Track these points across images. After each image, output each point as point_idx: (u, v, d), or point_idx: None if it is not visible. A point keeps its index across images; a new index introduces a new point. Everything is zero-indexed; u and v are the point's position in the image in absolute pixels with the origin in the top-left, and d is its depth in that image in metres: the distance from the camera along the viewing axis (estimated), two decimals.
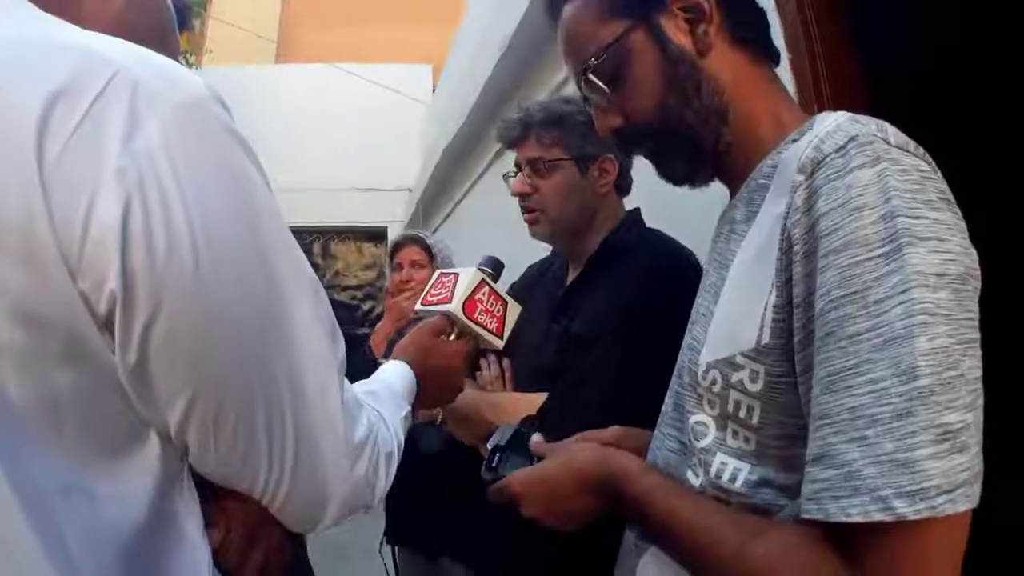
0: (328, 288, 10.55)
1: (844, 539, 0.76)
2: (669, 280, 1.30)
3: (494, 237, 2.79)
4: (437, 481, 2.52)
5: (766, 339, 0.89)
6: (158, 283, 0.67)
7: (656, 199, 1.59)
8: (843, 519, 0.74)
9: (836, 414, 0.77)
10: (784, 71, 1.73)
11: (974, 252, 0.82)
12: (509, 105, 3.88)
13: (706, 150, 1.06)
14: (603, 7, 1.07)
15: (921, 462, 0.71)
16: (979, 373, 0.77)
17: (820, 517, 0.77)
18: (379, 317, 10.91)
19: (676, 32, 1.04)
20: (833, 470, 0.76)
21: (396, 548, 2.93)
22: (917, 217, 0.78)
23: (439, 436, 2.44)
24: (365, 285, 10.64)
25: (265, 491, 0.81)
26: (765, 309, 0.89)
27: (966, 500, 0.72)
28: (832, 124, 0.90)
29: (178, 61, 0.96)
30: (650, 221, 1.91)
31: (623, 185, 1.90)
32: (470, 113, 5.31)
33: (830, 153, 0.85)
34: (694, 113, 1.04)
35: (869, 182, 0.80)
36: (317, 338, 0.82)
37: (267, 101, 10.08)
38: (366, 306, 10.58)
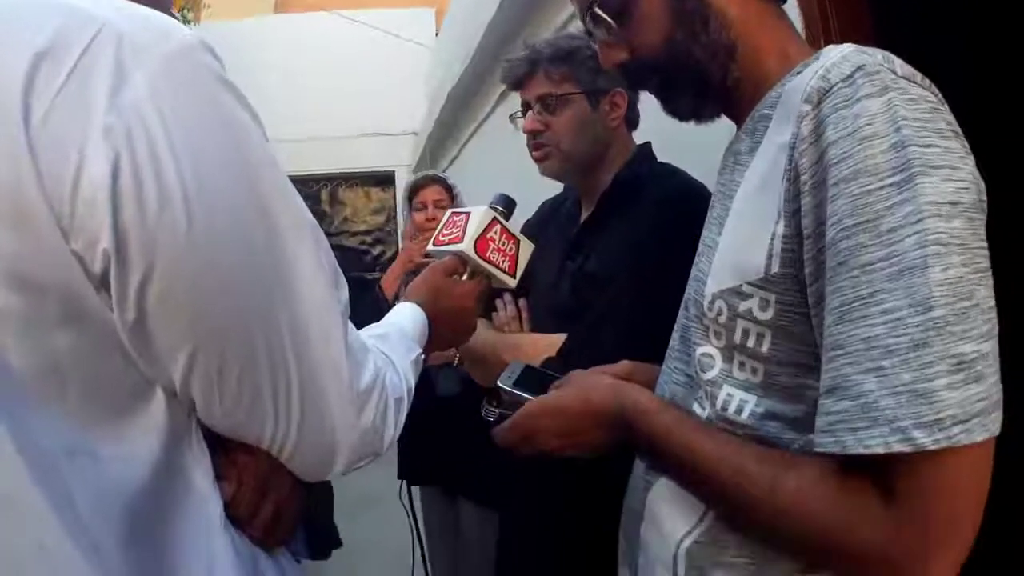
0: (337, 234, 10.68)
1: (874, 471, 0.77)
2: (681, 215, 1.29)
3: (501, 178, 2.77)
4: (454, 423, 2.53)
5: (775, 268, 0.89)
6: (151, 239, 0.66)
7: (665, 133, 1.58)
8: (861, 451, 0.75)
9: (850, 344, 0.77)
10: (792, 7, 1.72)
11: (982, 183, 0.82)
12: (513, 46, 3.85)
13: (713, 85, 1.06)
14: None
15: (938, 392, 0.72)
16: (993, 303, 0.77)
17: (836, 450, 0.77)
18: (389, 261, 10.96)
19: None
20: (849, 401, 0.76)
21: (412, 491, 2.95)
22: (928, 146, 0.78)
23: (456, 378, 2.44)
24: (374, 230, 10.61)
25: (273, 441, 0.82)
26: (773, 239, 0.89)
27: (983, 430, 0.72)
28: (838, 55, 0.89)
29: (171, 13, 0.94)
30: (660, 155, 1.90)
31: (632, 119, 1.89)
32: (474, 55, 5.25)
33: (837, 83, 0.85)
34: (702, 48, 1.03)
35: (878, 111, 0.80)
36: (319, 285, 0.81)
37: (268, 52, 9.97)
38: (376, 251, 10.56)
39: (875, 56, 0.86)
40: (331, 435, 0.85)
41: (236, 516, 0.83)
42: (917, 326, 0.73)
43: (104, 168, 0.64)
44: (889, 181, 0.77)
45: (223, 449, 0.83)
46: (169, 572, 0.74)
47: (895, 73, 0.83)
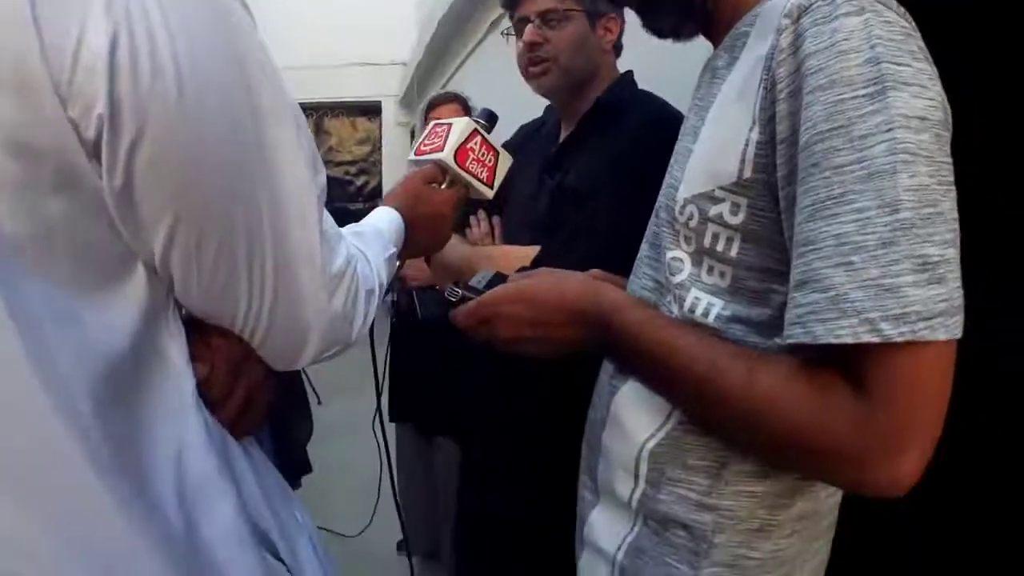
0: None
1: (843, 364, 0.80)
2: (660, 136, 1.29)
3: (503, 102, 2.75)
4: (437, 347, 2.51)
5: (748, 173, 0.90)
6: (143, 108, 0.68)
7: (646, 64, 1.62)
8: (832, 340, 0.77)
9: (821, 240, 0.79)
10: None
11: (948, 105, 0.84)
12: None
13: (695, 5, 1.07)
14: None
15: (904, 288, 0.74)
16: (956, 215, 0.79)
17: (807, 340, 0.79)
18: (373, 191, 10.91)
19: None
20: (819, 294, 0.78)
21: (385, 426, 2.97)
22: (901, 64, 0.80)
23: (437, 300, 2.43)
24: (359, 160, 10.61)
25: (246, 323, 0.84)
26: (747, 145, 0.90)
27: (945, 330, 0.75)
28: None
29: None
30: (642, 84, 1.92)
31: (619, 46, 1.91)
32: None
33: (816, 1, 0.86)
34: None
35: (855, 28, 0.82)
36: (299, 167, 0.83)
37: None
38: (359, 181, 10.57)
39: None
40: (302, 317, 0.87)
41: (208, 398, 0.85)
42: (885, 225, 0.75)
43: (103, 41, 0.66)
44: (863, 92, 0.79)
45: (199, 332, 0.85)
46: (142, 443, 0.77)
47: None
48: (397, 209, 1.27)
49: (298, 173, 0.82)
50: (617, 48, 1.88)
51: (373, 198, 10.30)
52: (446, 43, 6.84)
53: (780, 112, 0.86)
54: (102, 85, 0.67)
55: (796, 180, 0.83)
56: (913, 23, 0.87)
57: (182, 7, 0.72)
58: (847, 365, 0.79)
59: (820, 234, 0.79)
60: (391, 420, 2.97)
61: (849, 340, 0.75)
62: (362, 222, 1.20)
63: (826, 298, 0.77)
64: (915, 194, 0.76)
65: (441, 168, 1.39)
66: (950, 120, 0.84)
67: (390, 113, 10.23)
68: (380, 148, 10.38)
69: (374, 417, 2.88)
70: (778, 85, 0.87)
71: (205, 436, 0.82)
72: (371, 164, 10.49)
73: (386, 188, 9.72)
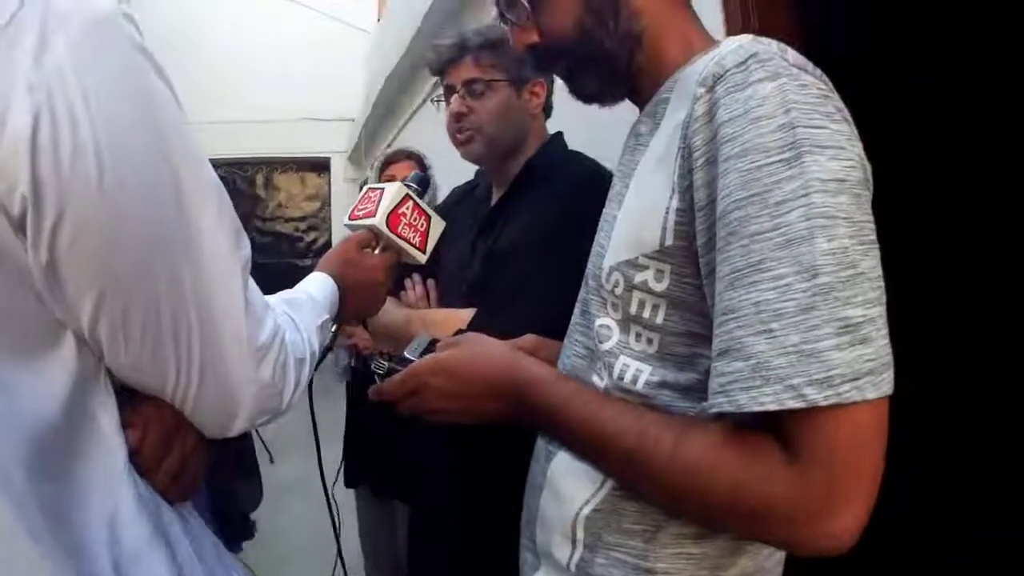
0: (271, 220, 10.60)
1: (773, 429, 0.80)
2: (589, 197, 1.31)
3: (436, 165, 2.78)
4: (390, 411, 2.51)
5: (669, 241, 0.91)
6: (64, 189, 0.70)
7: (579, 123, 1.62)
8: (756, 408, 0.77)
9: (741, 308, 0.80)
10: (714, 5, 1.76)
11: (869, 164, 0.86)
12: (453, 31, 3.84)
13: (620, 72, 1.09)
14: None
15: (826, 352, 0.74)
16: (879, 272, 0.80)
17: (731, 409, 0.79)
18: (323, 248, 10.83)
19: None
20: (742, 362, 0.79)
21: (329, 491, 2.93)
22: (817, 127, 0.81)
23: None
24: (308, 216, 10.55)
25: (176, 391, 0.85)
26: (667, 212, 0.91)
27: (874, 388, 0.75)
28: (735, 44, 0.92)
29: None
30: (573, 145, 1.95)
31: (548, 107, 1.94)
32: (414, 38, 5.26)
33: (731, 67, 0.88)
34: (610, 35, 1.06)
35: (769, 94, 0.83)
36: (221, 241, 0.85)
37: (209, 30, 9.86)
38: (309, 237, 10.51)
39: (769, 45, 0.89)
40: (231, 387, 0.88)
41: (141, 465, 0.86)
42: (804, 291, 0.76)
43: (26, 120, 0.68)
44: (778, 158, 0.80)
45: (131, 399, 0.86)
46: (76, 512, 0.78)
47: (787, 61, 0.86)
48: (331, 275, 1.29)
49: (221, 249, 0.84)
50: (547, 110, 1.92)
51: (322, 255, 10.18)
52: (393, 100, 6.88)
53: (697, 180, 0.88)
54: (25, 165, 0.68)
55: (715, 248, 0.84)
56: (830, 85, 0.89)
57: (103, 85, 0.74)
58: (777, 429, 0.79)
59: (740, 302, 0.80)
60: (346, 484, 2.95)
61: (773, 407, 0.76)
62: (295, 288, 1.22)
63: (748, 366, 0.78)
64: (834, 257, 0.76)
65: (374, 233, 1.41)
66: (870, 178, 0.86)
67: (339, 169, 10.23)
68: (329, 204, 10.34)
69: (331, 478, 2.88)
70: (694, 154, 0.88)
71: (138, 503, 0.82)
72: (320, 220, 10.45)
73: (335, 243, 9.69)
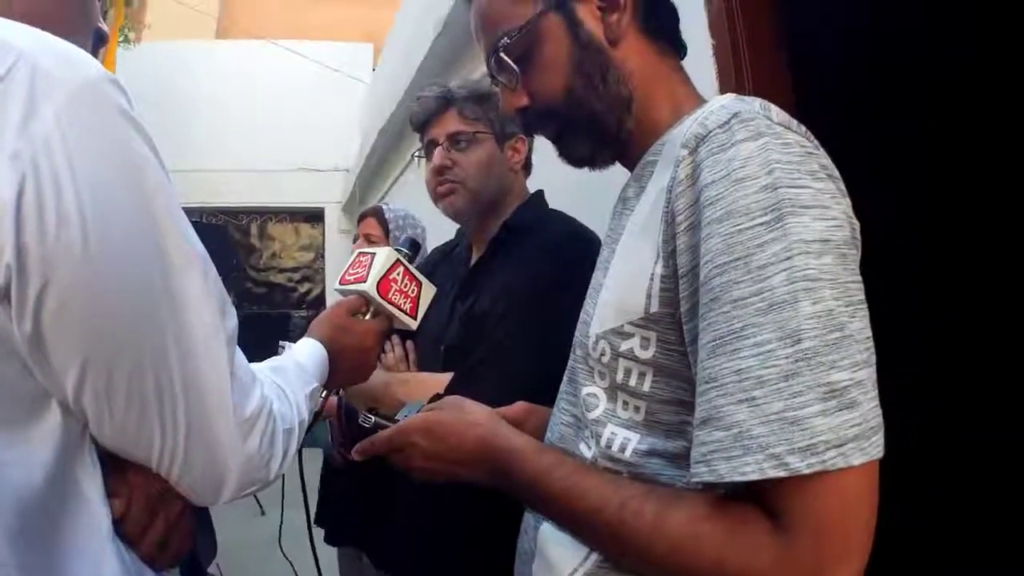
0: (265, 270, 10.60)
1: (758, 499, 0.78)
2: (568, 259, 1.31)
3: (429, 217, 2.79)
4: (365, 475, 2.50)
5: (654, 308, 0.91)
6: (48, 258, 0.71)
7: (561, 181, 1.61)
8: (737, 478, 0.76)
9: (722, 377, 0.78)
10: (708, 56, 1.78)
11: (857, 222, 0.85)
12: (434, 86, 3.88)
13: (609, 135, 1.08)
14: None
15: (810, 419, 0.73)
16: (868, 333, 0.79)
17: (712, 479, 0.78)
18: (316, 299, 10.80)
19: (589, 19, 1.06)
20: (722, 431, 0.77)
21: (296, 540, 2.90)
22: (800, 187, 0.80)
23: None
24: (302, 267, 10.56)
25: (161, 461, 0.85)
26: (652, 279, 0.91)
27: (861, 454, 0.73)
28: (718, 104, 0.93)
29: (99, 27, 1.06)
30: (555, 203, 1.94)
31: (528, 165, 1.94)
32: (406, 93, 5.30)
33: (714, 128, 0.87)
34: (599, 99, 1.06)
35: (751, 155, 0.82)
36: (206, 313, 0.85)
37: (206, 77, 9.94)
38: (303, 288, 10.51)
39: (752, 104, 0.89)
40: (217, 458, 0.88)
41: (126, 533, 0.86)
42: (787, 357, 0.75)
43: (10, 190, 0.69)
44: (760, 220, 0.79)
45: (117, 467, 0.86)
46: None
47: (771, 120, 0.86)
48: (321, 340, 1.28)
49: (206, 319, 0.84)
50: (527, 167, 1.92)
51: (317, 305, 10.24)
52: (386, 153, 6.93)
53: (680, 245, 0.87)
54: (9, 235, 0.69)
55: (699, 315, 0.83)
56: (815, 142, 0.88)
57: (88, 155, 0.74)
58: (762, 498, 0.77)
59: (721, 370, 0.78)
60: (325, 541, 2.92)
61: (755, 477, 0.74)
62: (284, 355, 1.21)
63: (729, 435, 0.76)
64: (818, 321, 0.75)
65: (365, 299, 1.41)
66: (858, 236, 0.85)
67: (333, 220, 10.26)
68: (323, 255, 10.36)
69: (319, 532, 2.85)
70: (677, 218, 0.87)
71: (122, 572, 0.82)
72: (314, 271, 10.46)
73: (329, 296, 9.68)
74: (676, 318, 0.89)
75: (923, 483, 2.54)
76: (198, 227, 0.89)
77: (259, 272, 10.53)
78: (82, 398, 0.78)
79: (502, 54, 1.09)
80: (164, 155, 0.84)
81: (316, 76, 9.92)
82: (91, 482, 0.82)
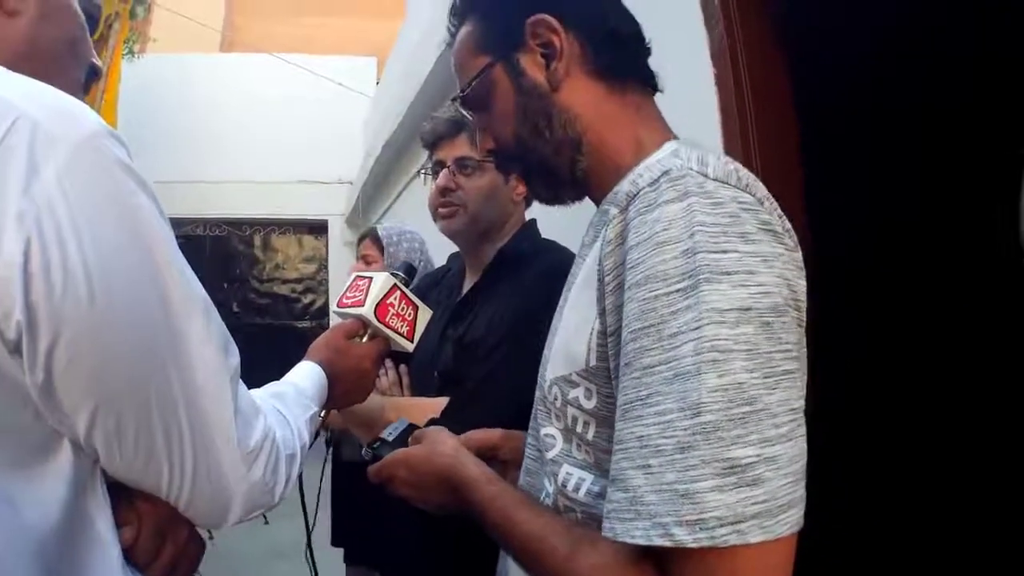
0: (268, 281, 10.63)
1: (657, 561, 0.78)
2: (556, 288, 1.33)
3: (432, 231, 2.82)
4: (360, 489, 2.52)
5: (593, 361, 0.92)
6: (57, 314, 0.73)
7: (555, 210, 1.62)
8: (628, 540, 0.77)
9: (627, 441, 0.79)
10: (710, 85, 1.80)
11: (800, 282, 0.84)
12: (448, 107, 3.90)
13: (561, 176, 1.10)
14: (475, 42, 1.13)
15: (702, 494, 0.72)
16: (795, 404, 0.78)
17: (611, 536, 0.79)
18: (319, 310, 10.81)
19: (532, 68, 1.08)
20: (622, 493, 0.78)
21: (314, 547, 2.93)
22: (724, 252, 0.79)
23: (355, 444, 2.45)
24: (305, 278, 10.59)
25: (169, 492, 0.88)
26: (591, 333, 0.92)
27: (761, 531, 0.72)
28: (654, 159, 0.95)
29: (90, 66, 1.08)
30: (549, 232, 1.97)
31: (529, 197, 1.94)
32: (410, 108, 5.33)
33: (643, 187, 0.88)
34: (545, 143, 1.08)
35: (675, 217, 0.82)
36: (209, 354, 0.87)
37: (211, 90, 10.00)
38: (306, 299, 10.53)
39: (687, 160, 0.89)
40: (223, 488, 0.91)
41: (136, 560, 0.88)
42: (685, 430, 0.74)
43: (17, 249, 0.71)
44: (676, 287, 0.78)
45: (125, 497, 0.89)
46: None
47: (705, 176, 0.85)
48: (319, 363, 1.32)
49: (209, 359, 0.87)
50: (529, 199, 1.92)
51: (320, 317, 10.33)
52: (390, 166, 6.96)
53: (608, 305, 0.88)
54: (18, 293, 0.71)
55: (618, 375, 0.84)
56: (761, 194, 0.87)
57: (89, 210, 0.76)
58: (661, 563, 0.78)
59: (628, 434, 0.79)
60: (332, 544, 2.95)
61: (642, 542, 0.75)
62: (284, 380, 1.24)
63: (626, 498, 0.77)
64: (724, 394, 0.74)
65: (363, 322, 1.44)
66: (800, 298, 0.83)
67: (336, 231, 10.29)
68: (326, 267, 10.39)
69: (324, 540, 2.88)
70: (606, 278, 0.89)
71: None
72: (317, 283, 10.48)
73: (332, 307, 9.73)
74: (610, 372, 0.89)
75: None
76: (201, 239, 0.92)
77: (262, 283, 10.55)
78: (93, 438, 0.80)
79: (460, 105, 1.16)
80: (168, 167, 0.87)
81: (320, 89, 9.96)
82: (102, 513, 0.85)
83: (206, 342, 0.87)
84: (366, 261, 2.94)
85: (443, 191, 1.87)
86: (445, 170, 1.88)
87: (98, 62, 1.11)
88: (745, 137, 1.67)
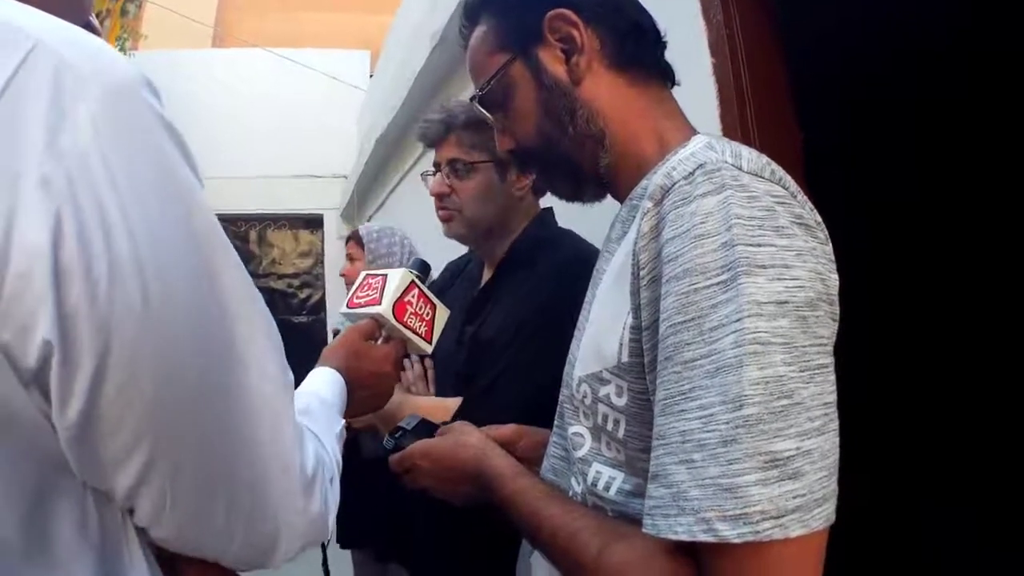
0: (265, 276, 10.60)
1: (697, 556, 0.79)
2: (569, 282, 1.31)
3: (426, 226, 2.82)
4: (380, 485, 2.53)
5: (625, 358, 0.92)
6: (104, 324, 0.54)
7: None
8: (671, 536, 0.77)
9: (669, 436, 0.79)
10: (708, 75, 1.79)
11: (832, 276, 0.85)
12: (441, 97, 3.89)
13: (585, 172, 1.11)
14: (492, 40, 1.14)
15: (745, 488, 0.73)
16: (829, 398, 0.79)
17: (652, 533, 0.80)
18: (316, 305, 10.77)
19: (552, 63, 1.09)
20: (664, 489, 0.78)
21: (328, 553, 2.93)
22: (760, 245, 0.79)
23: (376, 441, 2.45)
24: (301, 273, 10.53)
25: (217, 546, 0.71)
26: (624, 329, 0.92)
27: (800, 526, 0.73)
28: (687, 152, 0.95)
29: (91, 24, 0.83)
30: (566, 220, 1.95)
31: (539, 186, 1.92)
32: (403, 103, 5.30)
33: (678, 180, 0.88)
34: (569, 139, 1.09)
35: (712, 210, 0.82)
36: (271, 364, 0.71)
37: (203, 86, 9.92)
38: (303, 294, 10.48)
39: (722, 153, 0.89)
40: (279, 527, 0.74)
41: None
42: (727, 423, 0.74)
43: (42, 232, 0.51)
44: (716, 280, 0.79)
45: (165, 564, 0.73)
46: None
47: (739, 169, 0.86)
48: (338, 369, 1.20)
49: (271, 374, 0.70)
50: (537, 188, 1.89)
51: (317, 311, 10.26)
52: (385, 161, 6.92)
53: (643, 300, 0.88)
54: (46, 298, 0.51)
55: (656, 369, 0.84)
56: (792, 188, 0.87)
57: (136, 182, 0.57)
58: (701, 558, 0.78)
59: (669, 429, 0.79)
60: (340, 545, 2.95)
61: (685, 538, 0.75)
62: (305, 390, 1.11)
63: (669, 493, 0.77)
64: (765, 387, 0.74)
65: (378, 323, 1.36)
66: (832, 292, 0.84)
67: (332, 226, 10.25)
68: (323, 261, 10.35)
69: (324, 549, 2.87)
70: (641, 271, 0.89)
71: None
72: (314, 277, 10.44)
73: (329, 302, 9.68)
74: (644, 368, 0.90)
75: None
76: None
77: (259, 279, 10.48)
78: (139, 492, 0.62)
79: (479, 104, 1.16)
80: None
81: (313, 83, 9.90)
82: None
83: (268, 352, 0.70)
84: (351, 259, 3.10)
85: (438, 196, 1.87)
86: (439, 174, 1.88)
87: (95, 22, 0.86)
88: (744, 128, 1.67)
